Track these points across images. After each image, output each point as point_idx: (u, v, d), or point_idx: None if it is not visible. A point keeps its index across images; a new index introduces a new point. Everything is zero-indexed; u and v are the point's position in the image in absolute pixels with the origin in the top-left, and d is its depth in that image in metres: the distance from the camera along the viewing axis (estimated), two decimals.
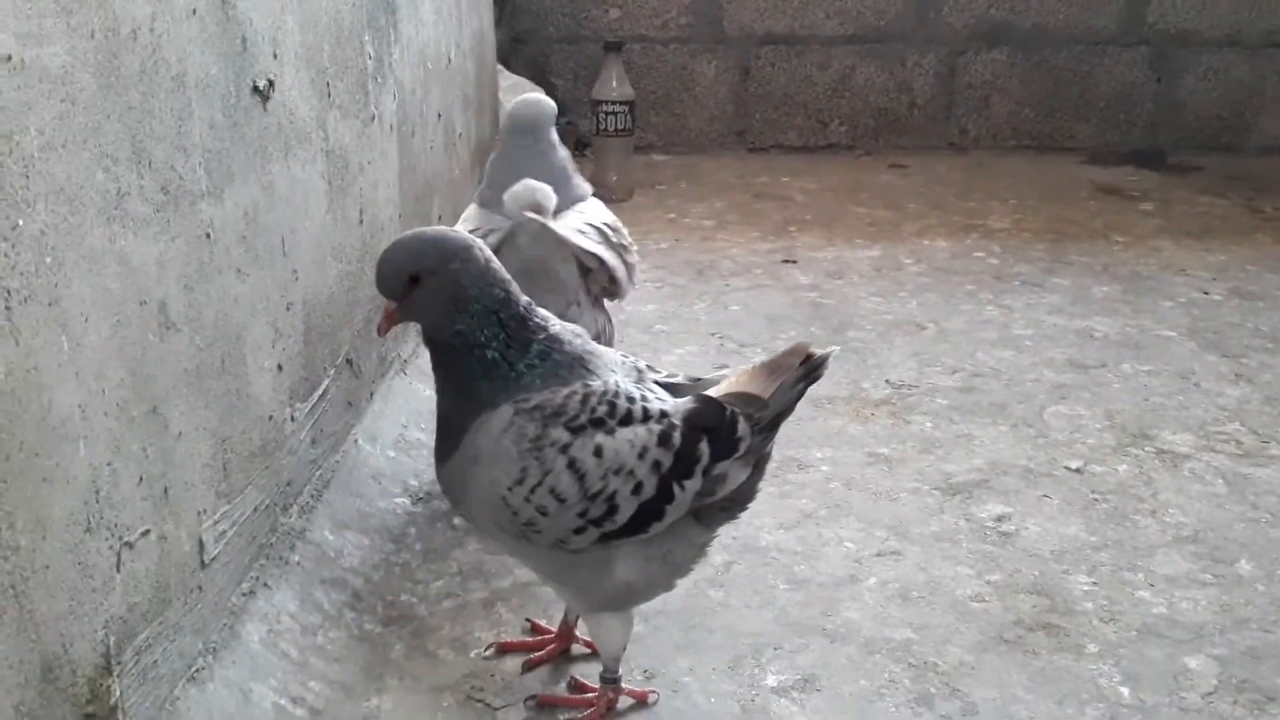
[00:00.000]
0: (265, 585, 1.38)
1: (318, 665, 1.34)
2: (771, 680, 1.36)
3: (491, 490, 1.16)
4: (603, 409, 1.16)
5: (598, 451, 1.15)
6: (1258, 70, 3.98)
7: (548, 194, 1.57)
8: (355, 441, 1.74)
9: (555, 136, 1.74)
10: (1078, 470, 1.84)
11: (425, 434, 1.89)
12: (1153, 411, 2.04)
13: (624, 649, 1.28)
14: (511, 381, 1.17)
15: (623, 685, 1.30)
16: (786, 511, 1.73)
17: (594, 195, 1.78)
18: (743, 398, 1.21)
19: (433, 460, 1.23)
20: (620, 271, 1.67)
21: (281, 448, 1.46)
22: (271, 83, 1.41)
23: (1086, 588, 1.54)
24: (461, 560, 1.59)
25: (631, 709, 1.31)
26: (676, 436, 1.16)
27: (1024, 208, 3.34)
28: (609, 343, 1.70)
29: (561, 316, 1.56)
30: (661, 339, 2.39)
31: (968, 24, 3.92)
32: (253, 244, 1.36)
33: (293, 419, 1.50)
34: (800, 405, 2.03)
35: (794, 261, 2.91)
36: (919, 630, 1.45)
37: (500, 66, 3.26)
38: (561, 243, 1.58)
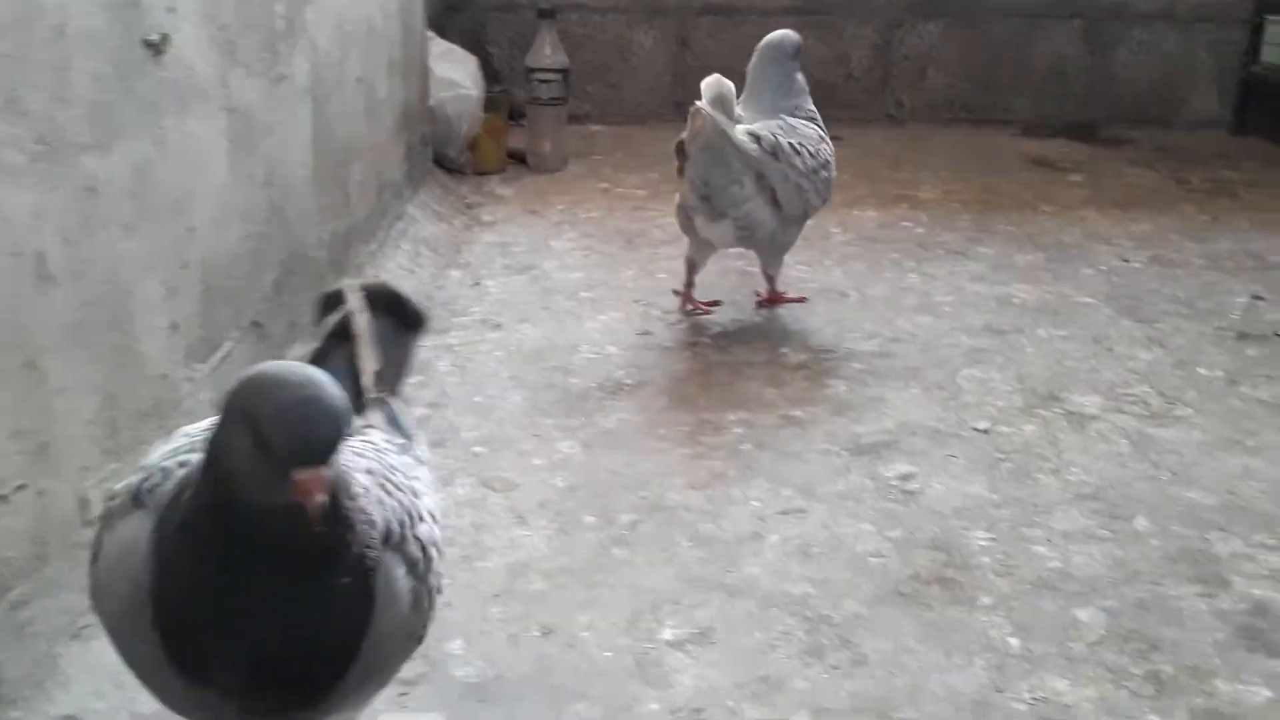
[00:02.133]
0: None
1: None
2: (668, 634, 1.37)
3: (411, 638, 0.97)
4: (392, 489, 0.96)
5: (433, 515, 1.00)
6: (1189, 45, 4.03)
7: (728, 87, 2.10)
8: None
9: (791, 61, 2.32)
10: (985, 431, 1.87)
11: None
12: (1064, 374, 2.07)
13: None
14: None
15: None
16: (697, 472, 1.74)
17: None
18: (379, 377, 1.08)
19: None
20: (778, 179, 2.15)
21: (178, 408, 1.44)
22: (165, 37, 1.39)
23: (984, 543, 1.56)
24: None
25: (527, 666, 1.31)
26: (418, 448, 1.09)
27: (955, 179, 3.37)
28: (767, 239, 2.25)
29: (724, 192, 2.13)
30: (586, 305, 2.39)
31: None
32: (143, 199, 1.34)
33: (191, 380, 1.48)
34: (719, 371, 2.08)
35: None
36: (817, 585, 1.46)
37: (432, 34, 3.23)
38: (724, 131, 2.06)
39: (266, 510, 0.80)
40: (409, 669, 1.11)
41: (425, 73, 3.00)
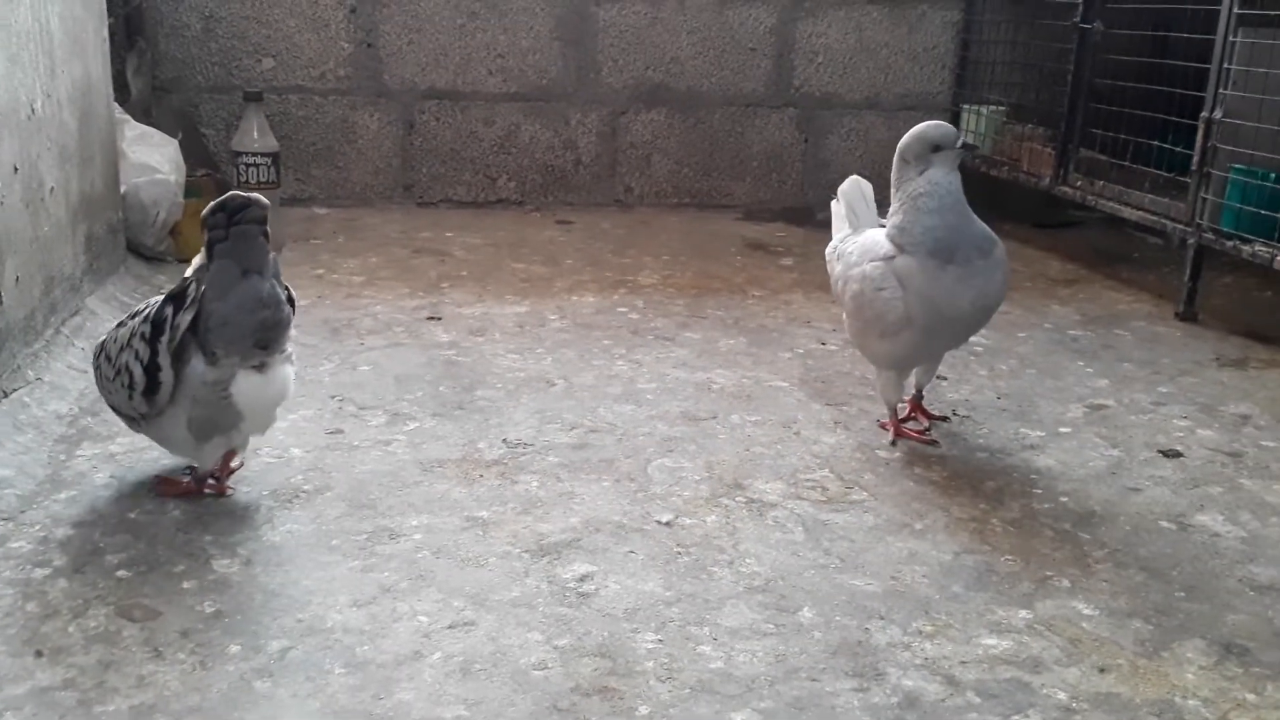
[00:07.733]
0: None
1: None
2: None
3: None
4: None
5: None
6: (895, 131, 4.23)
7: (866, 186, 2.35)
8: None
9: (916, 160, 2.13)
10: (668, 524, 1.86)
11: None
12: (751, 461, 2.10)
13: None
14: None
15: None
16: (364, 587, 1.65)
17: None
18: None
19: None
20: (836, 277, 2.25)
21: None
22: None
23: (651, 645, 1.54)
24: None
25: None
26: None
27: (675, 264, 3.43)
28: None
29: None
30: None
31: (626, 85, 4.02)
32: None
33: None
34: (409, 470, 2.00)
35: (438, 319, 2.85)
36: (472, 707, 1.40)
37: (126, 116, 3.06)
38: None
39: None
40: None
41: (114, 158, 2.83)
